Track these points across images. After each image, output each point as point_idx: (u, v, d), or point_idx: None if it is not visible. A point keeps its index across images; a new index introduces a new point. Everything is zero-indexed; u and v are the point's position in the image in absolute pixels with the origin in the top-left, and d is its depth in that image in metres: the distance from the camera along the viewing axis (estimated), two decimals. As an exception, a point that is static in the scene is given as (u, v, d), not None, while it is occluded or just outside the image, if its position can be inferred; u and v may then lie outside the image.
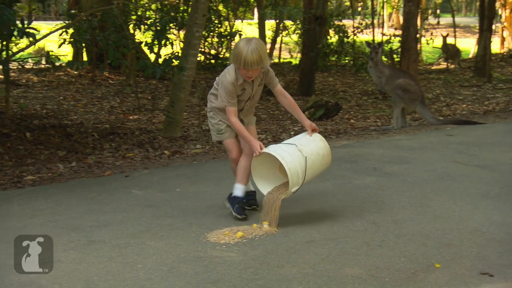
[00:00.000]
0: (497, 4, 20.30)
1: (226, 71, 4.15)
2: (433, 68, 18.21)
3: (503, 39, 20.98)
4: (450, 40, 18.29)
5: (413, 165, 5.76)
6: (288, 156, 3.95)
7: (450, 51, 17.45)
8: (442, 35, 17.44)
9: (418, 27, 14.73)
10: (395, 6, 21.73)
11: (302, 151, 4.01)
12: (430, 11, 20.87)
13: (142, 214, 4.35)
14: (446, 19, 29.47)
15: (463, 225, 3.92)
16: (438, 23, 20.20)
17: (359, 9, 26.91)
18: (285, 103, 4.35)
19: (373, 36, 16.73)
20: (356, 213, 4.25)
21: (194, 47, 7.90)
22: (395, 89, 8.28)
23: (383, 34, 16.56)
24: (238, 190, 4.31)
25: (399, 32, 14.19)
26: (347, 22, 18.67)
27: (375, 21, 17.94)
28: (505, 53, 19.70)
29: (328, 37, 17.44)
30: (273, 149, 4.05)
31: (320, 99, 10.19)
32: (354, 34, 17.66)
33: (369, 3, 19.16)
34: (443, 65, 18.26)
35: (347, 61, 18.07)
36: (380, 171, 5.56)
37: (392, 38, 16.68)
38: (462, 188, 4.84)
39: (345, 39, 17.59)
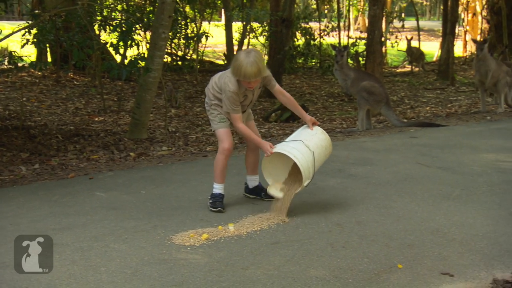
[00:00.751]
0: (460, 8, 20.70)
1: (227, 79, 4.29)
2: (398, 71, 18.47)
3: (465, 43, 21.37)
4: (414, 44, 18.59)
5: (377, 167, 5.84)
6: (299, 153, 4.19)
7: (414, 54, 17.72)
8: (406, 39, 17.70)
9: (383, 30, 14.92)
10: (361, 10, 22.00)
11: (309, 147, 4.27)
12: (395, 15, 21.14)
13: (106, 216, 4.31)
14: (410, 23, 29.93)
15: (425, 226, 3.98)
16: (402, 26, 20.52)
17: (326, 11, 27.12)
18: (285, 101, 4.57)
19: (339, 39, 16.87)
20: (321, 214, 4.28)
21: (160, 48, 7.85)
22: (360, 92, 8.41)
23: (349, 37, 16.71)
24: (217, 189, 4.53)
25: (364, 35, 14.33)
26: (313, 25, 18.79)
27: (341, 24, 18.09)
28: (467, 57, 20.09)
29: (295, 39, 17.53)
30: (284, 148, 4.27)
31: (287, 101, 10.24)
32: (321, 37, 17.79)
33: (336, 6, 19.32)
34: (408, 68, 18.53)
35: (313, 63, 18.18)
36: (344, 172, 5.61)
37: (358, 41, 16.84)
38: (425, 190, 4.92)
39: (312, 42, 17.71)
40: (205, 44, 15.64)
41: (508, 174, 5.39)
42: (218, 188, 4.54)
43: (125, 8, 11.65)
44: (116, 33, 7.32)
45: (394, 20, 21.30)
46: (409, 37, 17.73)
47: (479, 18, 19.97)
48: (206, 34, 10.64)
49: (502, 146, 6.72)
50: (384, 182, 5.20)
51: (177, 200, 4.75)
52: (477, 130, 8.00)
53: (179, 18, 11.69)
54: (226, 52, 13.44)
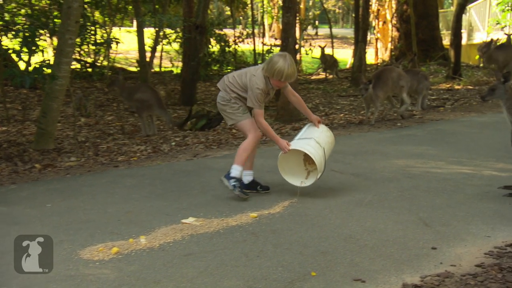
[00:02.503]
0: (371, 16, 21.46)
1: (255, 78, 4.88)
2: (312, 78, 18.86)
3: (377, 50, 22.17)
4: (328, 51, 19.06)
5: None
6: (313, 149, 4.89)
7: (328, 62, 18.17)
8: (320, 46, 18.13)
9: (297, 38, 15.20)
10: (275, 17, 22.34)
11: (320, 143, 4.98)
12: (308, 22, 21.63)
13: (7, 232, 4.12)
14: (324, 30, 30.77)
15: (338, 232, 4.08)
16: (316, 33, 21.05)
17: (240, 18, 27.36)
18: (295, 100, 5.23)
19: (254, 46, 17.04)
20: (235, 224, 4.29)
21: (67, 55, 7.63)
22: (135, 103, 9.15)
23: (263, 44, 16.91)
24: (237, 170, 5.02)
25: (279, 42, 14.56)
26: (228, 31, 18.88)
27: (256, 31, 18.30)
28: (379, 64, 20.82)
29: (210, 46, 17.54)
30: (300, 145, 4.95)
31: (202, 109, 10.21)
32: (236, 44, 17.90)
33: (250, 13, 19.52)
34: (322, 75, 18.98)
35: (229, 70, 18.24)
36: (260, 180, 5.64)
37: (273, 48, 17.07)
38: (338, 196, 5.05)
39: (227, 49, 17.78)
40: (116, 51, 15.37)
41: (417, 179, 5.63)
42: (238, 170, 5.04)
43: (29, 12, 11.23)
44: (19, 39, 7.04)
45: (308, 28, 21.78)
46: (322, 45, 18.18)
47: (389, 26, 20.76)
48: (115, 40, 10.43)
49: (411, 152, 7.00)
50: (299, 189, 5.29)
51: (85, 213, 4.62)
52: (388, 136, 8.31)
53: (88, 23, 11.40)
54: (138, 59, 13.24)
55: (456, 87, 14.24)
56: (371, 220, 4.36)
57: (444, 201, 4.87)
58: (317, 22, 25.90)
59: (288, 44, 10.40)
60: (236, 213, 4.58)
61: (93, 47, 14.63)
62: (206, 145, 8.13)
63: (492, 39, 13.36)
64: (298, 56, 17.80)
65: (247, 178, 5.28)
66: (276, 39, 18.22)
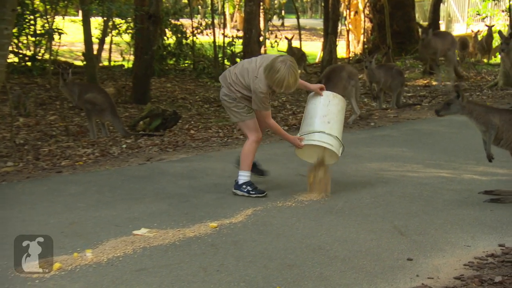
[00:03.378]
0: (342, 6, 21.62)
1: (258, 81, 5.14)
2: (278, 73, 18.92)
3: (349, 43, 22.32)
4: (295, 43, 19.13)
5: (255, 179, 5.93)
6: (326, 137, 5.32)
7: (295, 55, 18.23)
8: (286, 38, 18.20)
9: (262, 29, 15.23)
10: (237, 6, 22.33)
11: (330, 121, 5.35)
12: (274, 12, 21.68)
13: None
14: (291, 21, 30.89)
15: (306, 243, 4.11)
16: (282, 24, 21.13)
17: (199, 7, 27.29)
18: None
19: (214, 37, 16.99)
20: (193, 235, 4.28)
21: (3, 47, 7.44)
22: (85, 104, 9.14)
23: (224, 36, 16.87)
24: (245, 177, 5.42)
25: (242, 33, 14.55)
26: (185, 22, 18.78)
27: (216, 21, 18.25)
28: (351, 58, 21.00)
29: (165, 38, 17.40)
30: (312, 139, 5.34)
31: (157, 107, 10.14)
32: (194, 35, 17.82)
33: (209, 1, 19.51)
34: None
35: (186, 65, 18.15)
36: (221, 187, 5.67)
37: (235, 40, 17.06)
38: (306, 203, 5.08)
39: (184, 41, 17.66)
40: (60, 43, 15.14)
41: (391, 184, 5.71)
42: (247, 175, 5.42)
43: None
44: None
45: (273, 18, 21.84)
46: (289, 37, 18.25)
47: (362, 16, 20.95)
48: (58, 30, 10.26)
49: (385, 154, 7.10)
50: (263, 196, 5.30)
51: (24, 224, 4.55)
52: (361, 137, 8.40)
53: (27, 12, 11.21)
54: (84, 52, 13.07)
55: (434, 83, 14.46)
56: (342, 229, 4.39)
57: (420, 207, 4.95)
58: (283, 12, 25.97)
59: (252, 36, 10.45)
60: (194, 223, 4.57)
61: (33, 39, 14.35)
62: (161, 148, 8.08)
63: (425, 27, 13.28)
64: (262, 50, 17.83)
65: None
66: (238, 30, 18.13)
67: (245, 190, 5.38)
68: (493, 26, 18.18)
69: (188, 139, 8.84)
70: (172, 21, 17.39)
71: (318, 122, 5.39)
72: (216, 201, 5.21)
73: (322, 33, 21.75)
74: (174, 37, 17.57)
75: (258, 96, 5.18)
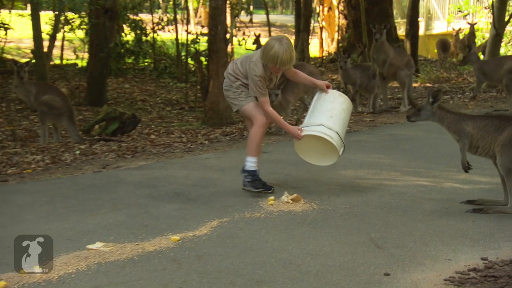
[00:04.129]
0: (315, 1, 21.76)
1: (253, 64, 5.46)
2: (247, 73, 18.93)
3: (322, 41, 22.43)
4: (264, 41, 19.17)
5: (222, 188, 5.95)
6: (327, 130, 5.47)
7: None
8: (255, 35, 18.22)
9: (228, 25, 15.22)
10: (201, 0, 22.29)
11: (333, 116, 5.55)
12: (242, 7, 21.69)
13: None
14: (260, 17, 31.01)
15: (276, 257, 4.12)
16: (250, 20, 21.17)
17: (160, 1, 27.19)
18: (294, 76, 5.88)
19: (177, 34, 16.93)
20: (153, 249, 4.26)
21: None
22: (40, 106, 9.12)
23: (188, 32, 16.81)
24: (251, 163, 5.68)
25: (207, 30, 14.51)
26: (145, 17, 18.71)
27: (179, 17, 18.23)
28: (324, 57, 21.12)
29: (123, 34, 17.33)
30: (313, 129, 5.53)
31: (114, 110, 10.09)
32: (154, 32, 17.76)
33: (171, -5, 19.46)
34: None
35: (146, 64, 18.09)
36: (183, 196, 5.66)
37: (200, 37, 17.01)
38: (276, 215, 5.09)
39: (144, 38, 17.60)
40: (6, 39, 14.98)
41: (367, 193, 5.75)
42: (253, 162, 5.67)
43: None
44: None
45: (241, 13, 21.87)
46: (257, 34, 18.28)
47: (336, 12, 21.09)
48: (4, 25, 10.14)
49: (361, 162, 7.15)
50: (229, 206, 5.31)
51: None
52: (335, 142, 8.44)
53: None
54: (34, 49, 12.92)
55: (413, 84, 14.64)
56: (314, 242, 4.42)
57: (398, 218, 4.99)
58: (251, 7, 26.07)
59: (217, 33, 10.43)
60: (154, 236, 4.55)
61: (-23, 34, 14.17)
62: (119, 154, 8.04)
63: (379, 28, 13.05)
64: (229, 48, 17.82)
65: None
66: (203, 26, 18.11)
67: (246, 181, 5.69)
68: (475, 24, 18.45)
69: (148, 144, 8.82)
70: (131, 16, 17.33)
71: (320, 116, 5.62)
72: (178, 212, 5.19)
73: (293, 30, 21.88)
74: (132, 34, 17.50)
75: (254, 80, 5.46)
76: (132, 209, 5.26)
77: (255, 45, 17.43)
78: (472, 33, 18.29)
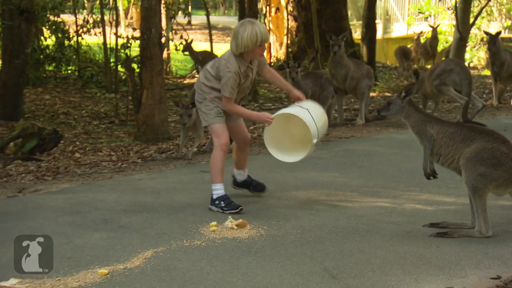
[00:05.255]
0: (261, 1, 21.85)
1: (225, 62, 5.83)
2: (185, 82, 18.86)
3: (270, 45, 22.52)
4: (204, 46, 19.19)
5: (157, 213, 5.92)
6: (303, 113, 5.85)
7: (201, 61, 18.18)
8: (186, 40, 18.10)
9: (164, 28, 15.17)
10: (133, 0, 22.19)
11: (309, 109, 5.93)
12: (178, 7, 21.63)
13: None
14: (199, 18, 30.99)
15: (218, 291, 4.11)
16: (189, 23, 21.09)
17: (85, 1, 26.97)
18: (270, 77, 6.30)
19: (104, 38, 16.77)
20: (78, 285, 4.23)
21: None
22: None
23: (117, 36, 16.70)
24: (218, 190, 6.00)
25: (139, 33, 14.39)
26: (68, 18, 18.52)
27: (107, 18, 18.05)
28: (272, 64, 21.22)
29: (42, 38, 17.12)
30: (287, 110, 5.99)
31: (32, 125, 9.93)
32: (79, 35, 17.58)
33: (98, -7, 19.32)
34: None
35: (70, 71, 17.88)
36: (113, 223, 5.61)
37: (131, 41, 16.89)
38: (219, 242, 5.08)
39: (66, 42, 17.40)
40: None
41: (321, 216, 5.80)
42: (220, 189, 5.98)
43: None
44: None
45: (178, 15, 21.83)
46: (198, 37, 18.28)
47: (285, 14, 21.21)
48: None
49: (314, 181, 7.20)
50: (166, 234, 5.30)
51: None
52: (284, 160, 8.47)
53: None
54: None
55: (371, 94, 14.82)
56: (262, 273, 4.42)
57: (355, 244, 5.04)
58: (190, 8, 26.04)
59: (151, 36, 10.40)
60: (78, 270, 4.50)
61: None
62: (37, 176, 7.91)
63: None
64: (165, 53, 17.79)
65: (240, 177, 6.47)
66: (134, 29, 17.95)
67: (219, 206, 5.93)
68: (437, 27, 18.80)
69: (72, 164, 8.70)
70: (51, 18, 17.11)
71: (296, 107, 6.04)
72: (107, 241, 5.14)
73: (237, 33, 21.92)
74: (53, 38, 17.29)
75: (227, 77, 5.79)
76: (53, 239, 5.17)
77: (186, 52, 17.47)
78: (434, 37, 18.68)
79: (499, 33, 12.77)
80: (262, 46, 5.84)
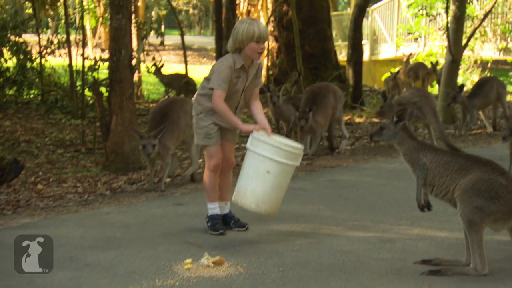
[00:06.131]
0: (239, 20, 21.98)
1: (221, 59, 6.22)
2: (157, 106, 18.87)
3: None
4: (179, 68, 19.21)
5: (127, 250, 5.90)
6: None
7: (173, 85, 18.19)
8: (156, 65, 18.13)
9: (134, 49, 15.19)
10: (101, 19, 22.19)
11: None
12: (151, 27, 21.66)
13: None
14: (173, 38, 31.06)
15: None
16: (162, 43, 21.06)
17: (49, 20, 26.96)
18: (255, 110, 6.42)
19: (70, 60, 16.76)
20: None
21: None
22: None
23: (84, 57, 16.68)
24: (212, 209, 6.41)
25: (108, 55, 14.37)
26: (30, 38, 18.47)
27: (73, 38, 18.06)
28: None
29: (2, 60, 17.08)
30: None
31: (-10, 154, 9.93)
32: (42, 56, 17.55)
33: (63, 12, 19.30)
34: (173, 102, 19.01)
35: (32, 96, 17.83)
36: (79, 262, 5.58)
37: (99, 63, 16.87)
38: (194, 282, 5.07)
39: (29, 64, 17.35)
40: None
41: (305, 252, 5.80)
42: (213, 208, 6.36)
43: None
44: None
45: (151, 34, 21.86)
46: (161, 61, 18.28)
47: (266, 34, 21.39)
48: None
49: (297, 214, 7.20)
50: (136, 273, 5.27)
51: None
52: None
53: None
54: None
55: (357, 119, 14.89)
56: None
57: (342, 283, 5.04)
58: (163, 27, 26.17)
59: (121, 58, 10.41)
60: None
61: None
62: (-9, 209, 7.88)
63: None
64: (136, 76, 17.78)
65: (221, 210, 6.54)
66: (103, 50, 17.98)
67: (207, 225, 6.40)
68: (437, 64, 18.54)
69: (34, 196, 8.66)
70: (12, 38, 17.07)
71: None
72: (72, 281, 5.12)
73: (214, 54, 21.99)
74: (14, 59, 17.25)
75: (220, 70, 6.09)
76: (12, 281, 5.14)
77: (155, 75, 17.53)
78: (433, 70, 18.47)
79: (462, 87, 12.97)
80: (259, 43, 6.07)
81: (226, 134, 6.42)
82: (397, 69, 19.50)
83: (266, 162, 6.00)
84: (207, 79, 6.30)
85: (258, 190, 6.06)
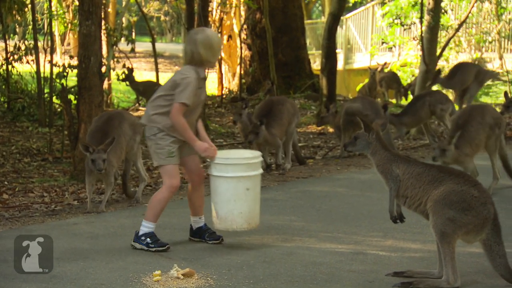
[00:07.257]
0: (212, 27, 21.95)
1: (181, 73, 6.18)
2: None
3: (221, 76, 22.58)
4: (149, 75, 19.17)
5: (94, 262, 5.88)
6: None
7: (146, 93, 18.17)
8: (127, 70, 18.09)
9: (105, 56, 15.15)
10: (69, 25, 22.08)
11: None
12: (121, 33, 21.61)
13: None
14: (144, 45, 31.03)
15: None
16: (132, 50, 21.01)
17: (16, 26, 26.79)
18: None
19: (38, 66, 16.67)
20: None
21: None
22: None
23: (52, 64, 16.61)
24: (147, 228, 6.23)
25: (77, 62, 14.29)
26: (-4, 44, 18.37)
27: (41, 44, 17.97)
28: (225, 96, 21.22)
29: (-33, 66, 17.01)
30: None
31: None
32: (9, 63, 17.47)
33: (30, 17, 19.23)
34: (142, 110, 19.01)
35: (-2, 103, 17.78)
36: (45, 275, 5.53)
37: (68, 70, 16.79)
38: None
39: (-5, 70, 17.33)
40: None
41: (276, 265, 5.83)
42: (150, 228, 6.21)
43: None
44: None
45: (121, 41, 21.80)
46: (129, 66, 18.25)
47: (238, 42, 21.33)
48: None
49: (268, 225, 7.18)
50: (104, 285, 5.28)
51: None
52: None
53: None
54: None
55: (331, 130, 14.92)
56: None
57: (313, 295, 5.05)
58: (133, 34, 26.11)
59: (90, 65, 10.38)
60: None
61: None
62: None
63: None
64: (105, 84, 17.72)
65: (195, 224, 6.57)
66: (71, 57, 17.90)
67: (144, 242, 6.15)
68: (410, 87, 18.50)
69: (2, 211, 8.60)
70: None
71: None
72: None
73: (186, 62, 21.95)
74: (-21, 66, 17.17)
75: (187, 81, 6.04)
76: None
77: (125, 82, 17.47)
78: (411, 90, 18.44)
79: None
80: (216, 53, 6.27)
81: (185, 150, 6.34)
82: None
83: (243, 181, 6.21)
84: (163, 97, 6.20)
85: (244, 210, 6.29)
